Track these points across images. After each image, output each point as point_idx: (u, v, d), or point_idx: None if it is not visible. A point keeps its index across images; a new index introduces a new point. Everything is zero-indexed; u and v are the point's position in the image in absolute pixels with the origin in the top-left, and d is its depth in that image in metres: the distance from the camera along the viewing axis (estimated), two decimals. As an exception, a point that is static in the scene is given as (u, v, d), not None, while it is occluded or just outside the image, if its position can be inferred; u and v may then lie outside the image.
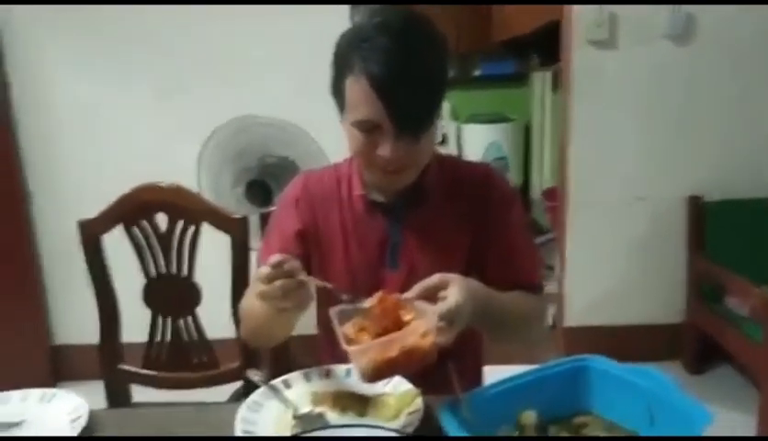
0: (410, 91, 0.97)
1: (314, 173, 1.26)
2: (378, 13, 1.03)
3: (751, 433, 2.07)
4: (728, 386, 2.51)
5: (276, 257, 0.90)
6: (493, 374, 1.12)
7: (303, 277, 0.91)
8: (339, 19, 2.34)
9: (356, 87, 0.99)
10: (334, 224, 1.16)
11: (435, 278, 0.92)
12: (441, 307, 0.88)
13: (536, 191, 4.88)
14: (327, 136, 1.91)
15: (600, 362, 0.92)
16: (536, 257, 1.27)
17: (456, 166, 1.21)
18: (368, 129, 1.01)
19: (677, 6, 2.43)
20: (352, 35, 1.03)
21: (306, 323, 1.24)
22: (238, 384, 1.55)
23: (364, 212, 1.15)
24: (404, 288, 1.13)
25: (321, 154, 1.92)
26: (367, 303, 0.91)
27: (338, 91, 1.05)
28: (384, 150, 1.01)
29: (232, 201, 1.95)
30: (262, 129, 1.95)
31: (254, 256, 1.42)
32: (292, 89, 2.47)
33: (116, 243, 1.48)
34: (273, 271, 0.88)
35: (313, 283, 0.94)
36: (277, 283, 0.88)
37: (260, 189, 1.95)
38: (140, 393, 1.57)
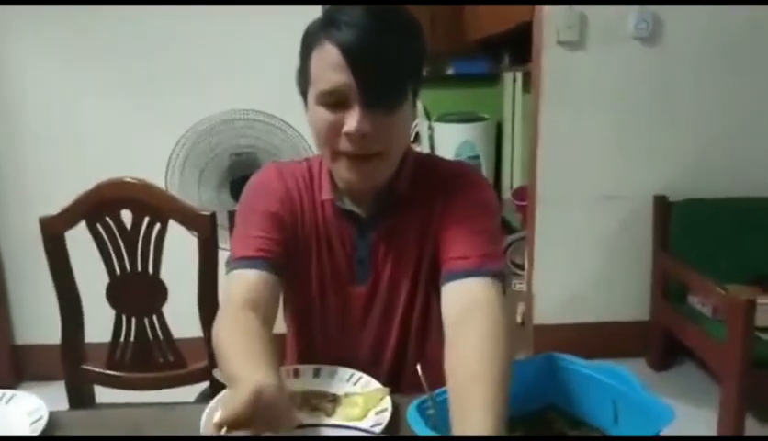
0: (381, 59, 0.91)
1: (285, 164, 1.15)
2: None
3: (713, 428, 2.12)
4: (690, 382, 2.57)
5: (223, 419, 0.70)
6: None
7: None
8: (315, 15, 2.35)
9: (324, 56, 0.93)
10: (309, 224, 1.08)
11: None
12: None
13: (506, 190, 4.93)
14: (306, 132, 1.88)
15: (566, 359, 0.93)
16: (501, 247, 1.17)
17: (433, 165, 1.12)
18: (334, 102, 0.93)
19: (644, 7, 2.48)
20: (322, 16, 0.97)
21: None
22: (204, 385, 1.53)
23: (333, 218, 1.08)
24: (370, 303, 1.10)
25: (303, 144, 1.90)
26: None
27: (303, 74, 0.99)
28: (350, 123, 0.92)
29: (215, 201, 1.92)
30: (237, 124, 1.92)
31: (221, 254, 1.40)
32: (269, 86, 2.42)
33: (79, 241, 1.44)
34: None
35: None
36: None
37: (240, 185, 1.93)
38: (103, 394, 1.54)
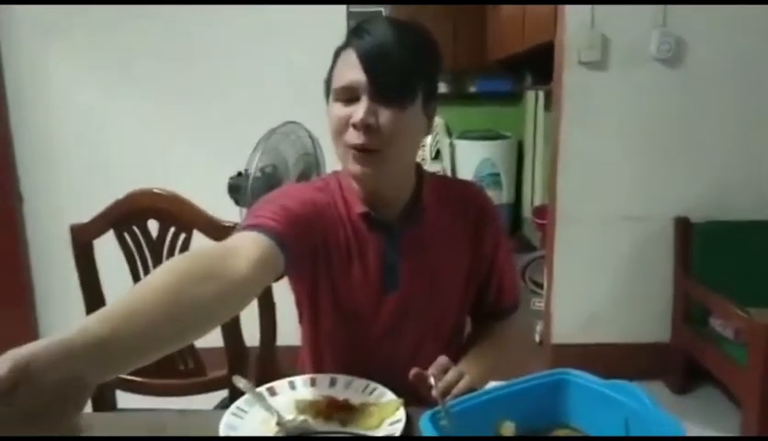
0: (391, 61, 1.01)
1: (307, 183, 1.22)
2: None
3: (734, 453, 2.09)
4: (711, 407, 2.53)
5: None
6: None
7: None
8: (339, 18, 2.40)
9: (345, 59, 1.05)
10: (339, 241, 1.12)
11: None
12: None
13: (527, 208, 4.92)
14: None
15: (578, 376, 0.94)
16: (517, 276, 1.37)
17: (447, 184, 1.24)
18: (348, 97, 1.03)
19: (666, 29, 2.49)
20: (351, 28, 1.09)
21: (294, 335, 1.25)
22: (224, 393, 1.56)
23: (365, 231, 1.12)
24: (401, 312, 1.14)
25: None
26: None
27: (329, 76, 1.09)
28: (357, 114, 1.01)
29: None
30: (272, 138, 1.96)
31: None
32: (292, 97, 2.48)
33: (106, 248, 1.49)
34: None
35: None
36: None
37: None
38: (125, 400, 1.57)
